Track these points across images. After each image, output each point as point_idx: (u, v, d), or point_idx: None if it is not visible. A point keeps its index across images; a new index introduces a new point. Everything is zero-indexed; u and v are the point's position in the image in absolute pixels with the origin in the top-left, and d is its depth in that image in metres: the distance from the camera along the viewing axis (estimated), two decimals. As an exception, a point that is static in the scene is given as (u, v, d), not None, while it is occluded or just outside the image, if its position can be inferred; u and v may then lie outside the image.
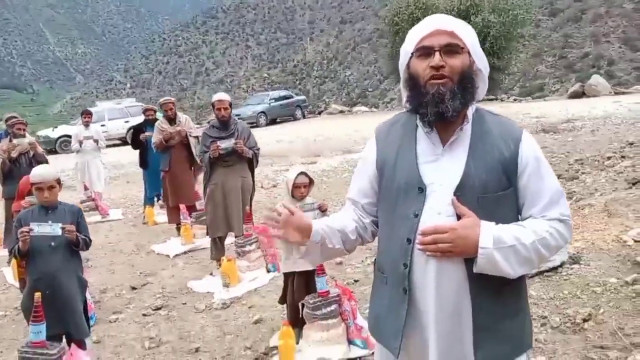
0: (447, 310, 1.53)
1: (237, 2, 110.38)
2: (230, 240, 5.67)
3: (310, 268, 3.53)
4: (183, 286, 5.09)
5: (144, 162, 7.84)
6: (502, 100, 21.48)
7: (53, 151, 18.16)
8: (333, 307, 3.41)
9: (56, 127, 21.13)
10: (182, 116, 6.54)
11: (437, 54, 1.50)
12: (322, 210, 3.54)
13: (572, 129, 11.99)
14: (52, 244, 3.13)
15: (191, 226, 6.37)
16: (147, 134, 7.49)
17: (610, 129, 11.02)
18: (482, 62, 1.59)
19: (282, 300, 3.80)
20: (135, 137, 7.76)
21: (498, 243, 1.47)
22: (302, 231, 1.62)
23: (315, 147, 14.16)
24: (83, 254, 3.40)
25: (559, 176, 7.60)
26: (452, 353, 1.55)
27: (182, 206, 6.51)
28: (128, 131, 19.98)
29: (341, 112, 23.18)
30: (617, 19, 57.11)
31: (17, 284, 5.40)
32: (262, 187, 9.25)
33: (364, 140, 14.60)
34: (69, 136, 18.15)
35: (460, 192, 1.51)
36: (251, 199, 5.49)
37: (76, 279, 3.26)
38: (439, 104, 1.50)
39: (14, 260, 5.62)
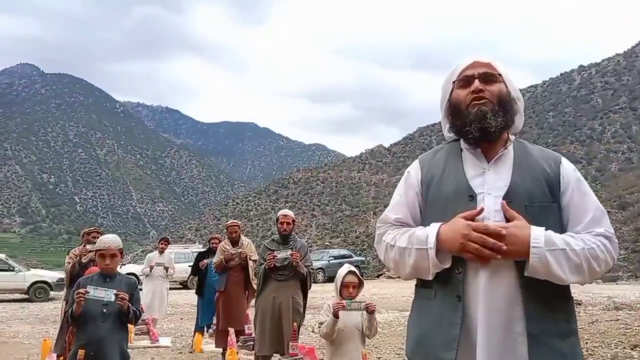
0: (499, 317, 1.48)
1: (308, 175, 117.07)
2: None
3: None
4: (220, 405, 4.86)
5: (200, 290, 7.97)
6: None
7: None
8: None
9: (123, 264, 22.05)
10: (245, 240, 6.77)
11: (476, 80, 1.66)
12: (370, 312, 3.45)
13: (648, 308, 11.20)
14: (104, 310, 3.22)
15: (237, 351, 6.21)
16: (206, 260, 7.74)
17: (692, 310, 10.20)
18: (516, 93, 1.72)
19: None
20: (197, 263, 8.01)
21: (549, 245, 1.47)
22: None
23: (371, 303, 13.85)
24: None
25: (635, 346, 7.01)
26: None
27: (231, 331, 6.43)
28: (190, 275, 20.53)
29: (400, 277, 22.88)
30: (692, 215, 55.38)
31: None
32: (312, 331, 9.03)
33: (422, 303, 14.21)
34: (134, 274, 18.90)
35: (508, 199, 1.55)
36: (300, 321, 5.37)
37: (120, 351, 3.26)
38: (482, 120, 1.62)
39: (59, 364, 5.65)
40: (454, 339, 1.52)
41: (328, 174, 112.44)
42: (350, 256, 25.16)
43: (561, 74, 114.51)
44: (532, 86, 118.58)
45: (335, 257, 23.41)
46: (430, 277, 1.60)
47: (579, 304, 11.58)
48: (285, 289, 5.16)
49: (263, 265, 5.14)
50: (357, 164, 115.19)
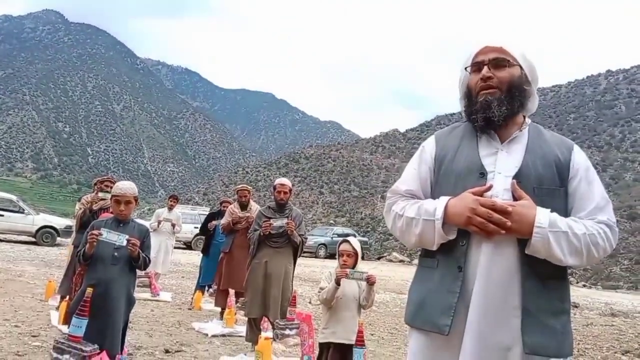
0: (496, 290, 1.54)
1: (320, 152, 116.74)
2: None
3: (349, 342, 3.44)
4: (215, 360, 5.00)
5: (206, 249, 8.11)
6: (570, 284, 20.60)
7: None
8: (366, 384, 3.24)
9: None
10: (254, 205, 6.85)
11: (485, 67, 1.69)
12: (370, 283, 3.52)
13: (645, 318, 11.25)
14: (115, 254, 3.31)
15: (235, 312, 6.36)
16: (214, 222, 7.86)
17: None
18: (532, 74, 1.74)
19: (314, 374, 3.66)
20: (206, 223, 8.14)
21: (553, 226, 1.52)
22: None
23: (369, 283, 14.00)
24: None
25: (626, 351, 7.07)
26: (496, 335, 1.53)
27: (231, 292, 6.56)
28: (195, 235, 20.84)
29: (401, 261, 23.13)
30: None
31: (59, 327, 5.52)
32: (310, 302, 9.19)
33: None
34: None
35: (518, 180, 1.60)
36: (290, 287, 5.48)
37: (126, 294, 3.37)
38: (487, 110, 1.66)
39: (62, 304, 5.82)
40: (452, 306, 1.58)
41: (340, 152, 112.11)
42: (354, 235, 25.36)
43: (587, 77, 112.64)
44: (555, 86, 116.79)
45: (339, 235, 23.60)
46: (434, 248, 1.66)
47: (576, 307, 11.63)
48: (278, 256, 5.22)
49: (258, 232, 5.19)
50: (370, 145, 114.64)
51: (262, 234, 5.16)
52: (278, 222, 5.12)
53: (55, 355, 2.98)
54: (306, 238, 5.48)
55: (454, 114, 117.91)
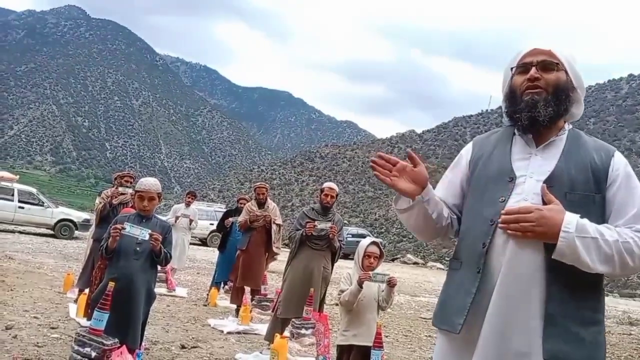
0: (516, 294, 1.52)
1: (335, 151, 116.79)
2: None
3: (370, 343, 3.42)
4: (231, 357, 5.02)
5: (223, 245, 8.15)
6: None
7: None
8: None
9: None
10: (271, 203, 6.87)
11: (533, 68, 1.67)
12: (391, 285, 3.50)
13: (664, 329, 11.05)
14: (138, 249, 3.33)
15: (251, 309, 6.37)
16: (231, 219, 7.89)
17: None
18: (578, 81, 1.71)
19: (331, 376, 3.64)
20: (223, 220, 8.18)
21: (581, 232, 1.48)
22: (416, 183, 1.69)
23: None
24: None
25: (645, 361, 6.96)
26: (514, 340, 1.50)
27: (246, 289, 6.58)
28: (211, 232, 21.01)
29: (415, 263, 23.02)
30: None
31: (78, 319, 5.58)
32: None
33: (433, 290, 14.35)
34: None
35: (549, 184, 1.57)
36: (325, 290, 5.51)
37: (147, 289, 3.39)
38: (532, 109, 1.64)
39: (82, 297, 5.88)
40: (466, 306, 1.58)
41: (356, 152, 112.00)
42: (368, 236, 25.29)
43: (608, 81, 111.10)
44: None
45: (353, 235, 23.50)
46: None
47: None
48: (318, 258, 5.28)
49: (300, 232, 5.23)
50: (386, 146, 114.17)
51: (304, 234, 5.20)
52: (322, 225, 5.20)
53: (76, 347, 3.02)
54: (344, 244, 5.55)
55: (471, 115, 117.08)
